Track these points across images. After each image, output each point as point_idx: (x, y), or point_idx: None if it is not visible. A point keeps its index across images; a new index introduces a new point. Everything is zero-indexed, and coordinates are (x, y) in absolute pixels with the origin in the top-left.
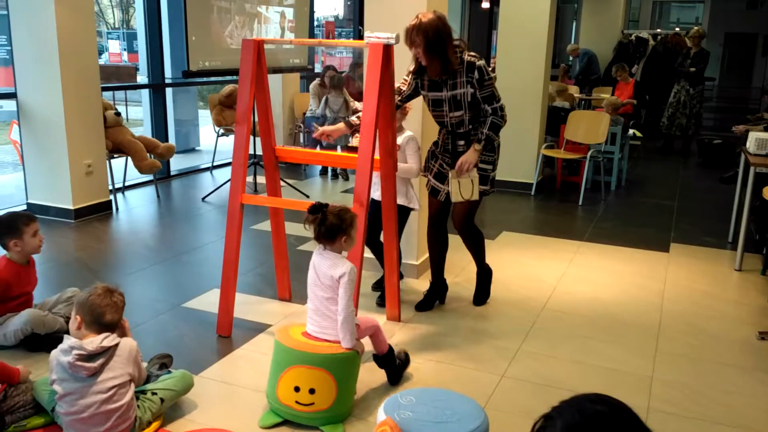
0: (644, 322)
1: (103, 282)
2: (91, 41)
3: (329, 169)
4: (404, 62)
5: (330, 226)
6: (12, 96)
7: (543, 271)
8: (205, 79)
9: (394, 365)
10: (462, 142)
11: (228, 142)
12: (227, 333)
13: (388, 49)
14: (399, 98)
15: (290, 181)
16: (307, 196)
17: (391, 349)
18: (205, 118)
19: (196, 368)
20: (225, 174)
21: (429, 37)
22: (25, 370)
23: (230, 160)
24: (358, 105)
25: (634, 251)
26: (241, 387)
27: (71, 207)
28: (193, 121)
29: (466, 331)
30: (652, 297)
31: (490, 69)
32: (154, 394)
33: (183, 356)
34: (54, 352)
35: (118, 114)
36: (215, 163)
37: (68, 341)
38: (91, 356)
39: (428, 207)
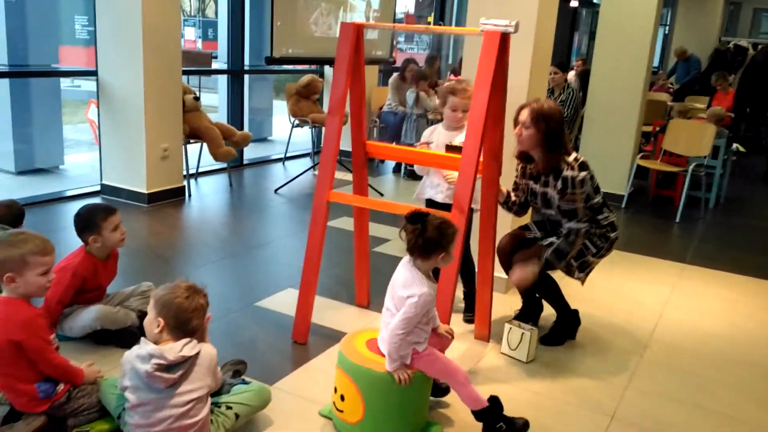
0: (759, 361)
1: (178, 276)
2: (175, 23)
3: (402, 167)
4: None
5: (428, 239)
6: (92, 74)
7: (645, 295)
8: (286, 67)
9: (492, 428)
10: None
11: (302, 134)
12: (303, 340)
13: (505, 39)
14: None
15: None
16: (381, 194)
17: (491, 407)
18: (278, 107)
19: (270, 378)
20: (297, 166)
21: (550, 126)
22: (91, 370)
23: (303, 152)
24: (433, 105)
25: (743, 279)
26: (317, 404)
27: (145, 191)
28: (267, 111)
29: (566, 359)
30: (766, 332)
31: (579, 182)
32: (229, 408)
33: (255, 362)
34: (128, 356)
35: (197, 99)
36: (288, 155)
37: (147, 347)
38: (170, 366)
39: (510, 235)
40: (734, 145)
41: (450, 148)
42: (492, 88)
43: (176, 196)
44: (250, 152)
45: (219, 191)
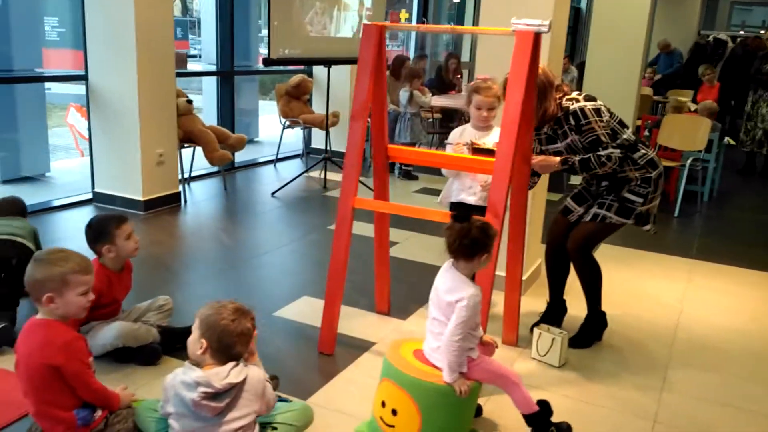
0: None
1: (188, 287)
2: (168, 24)
3: (396, 167)
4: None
5: (474, 240)
6: (81, 78)
7: (661, 292)
8: (274, 67)
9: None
10: (606, 183)
11: (290, 134)
12: (330, 351)
13: (537, 39)
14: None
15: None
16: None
17: (541, 412)
18: (264, 108)
19: (302, 392)
20: (289, 168)
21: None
22: (125, 394)
23: (293, 153)
24: (429, 100)
25: (751, 273)
26: (355, 418)
27: (141, 198)
28: (254, 112)
29: (597, 362)
30: None
31: (593, 110)
32: (274, 429)
33: (285, 376)
34: (171, 381)
35: (189, 102)
36: (279, 156)
37: (192, 373)
38: (217, 394)
39: (552, 226)
40: (726, 139)
41: (477, 150)
42: (526, 89)
43: (172, 203)
44: (240, 154)
45: (214, 196)
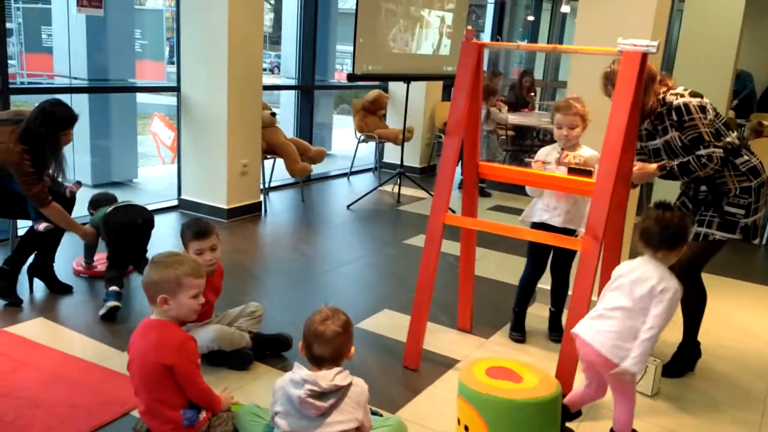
0: None
1: (275, 294)
2: (258, 38)
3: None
4: None
5: (678, 229)
6: (173, 90)
7: (752, 322)
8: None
9: None
10: (704, 188)
11: (363, 148)
12: (415, 366)
13: (645, 59)
14: None
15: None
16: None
17: None
18: (337, 121)
19: (391, 406)
20: (362, 181)
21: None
22: (225, 396)
23: (366, 167)
24: (506, 117)
25: None
26: None
27: (225, 206)
28: (328, 126)
29: (691, 393)
30: None
31: (697, 106)
32: None
33: (372, 390)
34: (281, 381)
35: (273, 114)
36: (353, 170)
37: (300, 372)
38: (323, 394)
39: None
40: None
41: (574, 170)
42: (631, 110)
43: (253, 212)
44: (315, 167)
45: (293, 207)
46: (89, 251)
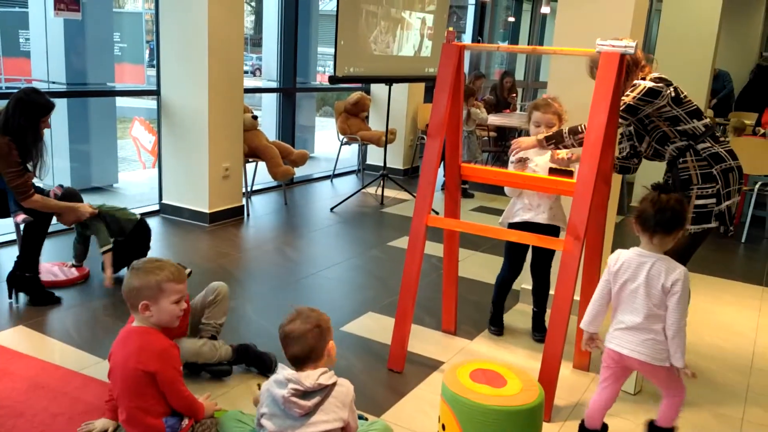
0: None
1: (258, 300)
2: (239, 40)
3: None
4: None
5: (675, 212)
6: (153, 93)
7: (733, 320)
8: (342, 86)
9: None
10: (668, 175)
11: (346, 150)
12: (399, 368)
13: (623, 60)
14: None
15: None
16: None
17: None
18: (320, 124)
19: (375, 409)
20: (345, 183)
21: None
22: (209, 403)
23: (349, 169)
24: (486, 117)
25: None
26: None
27: (207, 210)
28: (311, 128)
29: None
30: None
31: (647, 88)
32: None
33: (358, 393)
34: (267, 383)
35: (255, 117)
36: (336, 172)
37: (284, 371)
38: (306, 393)
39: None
40: None
41: (554, 171)
42: (610, 110)
43: (236, 216)
44: (298, 169)
45: (275, 210)
46: (81, 252)
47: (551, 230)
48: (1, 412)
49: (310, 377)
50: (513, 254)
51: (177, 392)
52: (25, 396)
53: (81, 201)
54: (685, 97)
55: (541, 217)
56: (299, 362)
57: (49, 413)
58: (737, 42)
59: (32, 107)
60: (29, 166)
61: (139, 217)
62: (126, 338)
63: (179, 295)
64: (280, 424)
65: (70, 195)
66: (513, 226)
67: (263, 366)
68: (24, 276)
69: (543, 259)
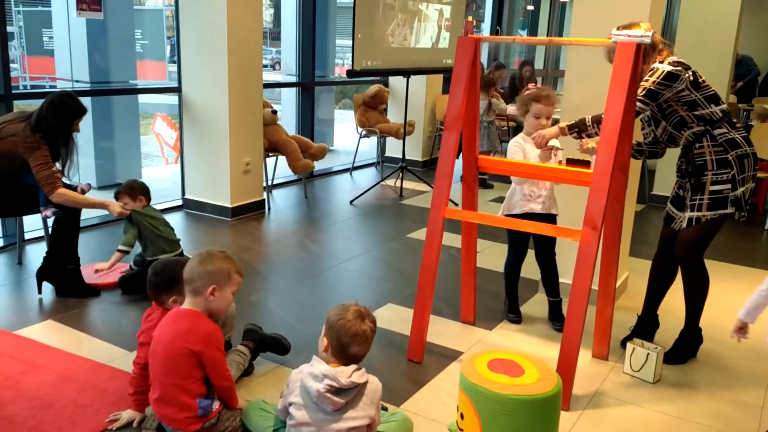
0: None
1: (280, 292)
2: (257, 35)
3: None
4: None
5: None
6: (174, 90)
7: None
8: (360, 79)
9: None
10: (683, 161)
11: (365, 143)
12: (419, 358)
13: (639, 50)
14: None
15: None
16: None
17: None
18: (340, 116)
19: (395, 399)
20: (364, 176)
21: None
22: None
23: (368, 162)
24: (506, 107)
25: None
26: (447, 426)
27: (229, 205)
28: (330, 121)
29: (693, 379)
30: None
31: (666, 72)
32: None
33: None
34: (298, 373)
35: (274, 112)
36: (355, 165)
37: (321, 366)
38: (340, 390)
39: (661, 235)
40: None
41: (572, 161)
42: (627, 99)
43: (257, 210)
44: (318, 163)
45: (296, 204)
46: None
47: (549, 219)
48: (32, 404)
49: (345, 374)
50: (517, 241)
51: (222, 372)
52: (54, 388)
53: (148, 194)
54: (704, 81)
55: (540, 207)
56: (355, 361)
57: (78, 405)
58: (760, 28)
59: (65, 110)
60: (58, 165)
61: (181, 249)
62: (176, 318)
63: (237, 287)
64: (312, 416)
65: (134, 188)
66: (513, 216)
67: (281, 349)
68: (66, 269)
69: (546, 246)
